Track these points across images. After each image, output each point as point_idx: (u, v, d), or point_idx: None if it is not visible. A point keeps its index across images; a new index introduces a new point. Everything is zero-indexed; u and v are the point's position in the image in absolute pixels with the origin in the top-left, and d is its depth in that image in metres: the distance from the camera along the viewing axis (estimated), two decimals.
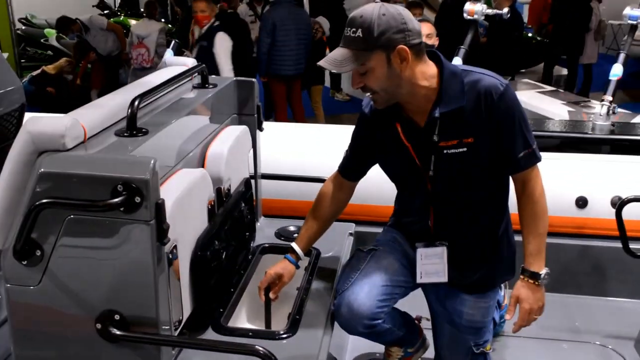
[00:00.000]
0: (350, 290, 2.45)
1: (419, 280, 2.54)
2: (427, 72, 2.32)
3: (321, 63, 2.27)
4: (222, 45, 6.51)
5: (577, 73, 10.14)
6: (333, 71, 2.26)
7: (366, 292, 2.43)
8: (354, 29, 2.20)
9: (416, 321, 2.81)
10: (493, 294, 2.62)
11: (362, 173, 2.64)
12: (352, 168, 2.64)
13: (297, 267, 2.62)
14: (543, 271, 2.42)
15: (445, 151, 2.34)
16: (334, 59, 2.23)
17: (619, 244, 3.17)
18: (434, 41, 4.22)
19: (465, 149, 2.33)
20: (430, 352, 2.80)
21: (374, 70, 2.23)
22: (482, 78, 2.32)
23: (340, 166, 2.66)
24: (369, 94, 2.32)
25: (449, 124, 2.32)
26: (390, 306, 2.51)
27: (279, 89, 7.69)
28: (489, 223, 2.50)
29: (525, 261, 2.44)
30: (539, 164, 2.41)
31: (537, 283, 2.42)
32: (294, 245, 2.63)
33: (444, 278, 2.52)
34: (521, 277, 2.44)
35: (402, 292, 2.58)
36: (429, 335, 2.81)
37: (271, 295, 2.57)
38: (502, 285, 3.14)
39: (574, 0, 9.99)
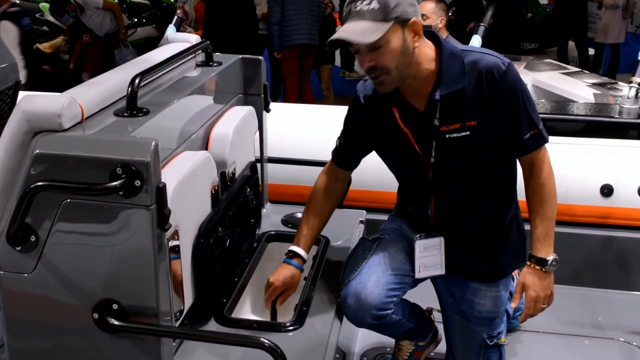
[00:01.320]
0: (357, 280, 2.44)
1: (417, 275, 2.54)
2: (427, 52, 2.33)
3: (340, 35, 2.22)
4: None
5: (587, 53, 10.15)
6: (356, 42, 2.19)
7: (374, 281, 2.43)
8: (367, 1, 2.19)
9: (427, 313, 2.81)
10: (505, 282, 2.63)
11: (357, 161, 2.65)
12: (347, 157, 2.64)
13: (302, 270, 2.59)
14: (550, 257, 2.43)
15: (447, 136, 2.34)
16: (353, 30, 2.20)
17: None
18: (429, 22, 4.25)
19: (468, 133, 2.33)
20: (443, 346, 2.80)
21: (390, 43, 2.21)
22: (482, 57, 2.33)
23: (333, 155, 2.66)
24: (374, 75, 2.27)
25: (450, 107, 2.32)
26: (399, 296, 2.51)
27: (291, 64, 7.65)
28: (494, 210, 2.50)
29: (532, 247, 2.45)
30: (550, 146, 2.42)
31: (544, 269, 2.43)
32: (295, 248, 2.59)
33: (441, 270, 2.53)
34: (527, 263, 2.46)
35: (411, 282, 2.58)
36: (440, 328, 2.81)
37: (278, 306, 2.55)
38: (515, 276, 3.13)
39: None
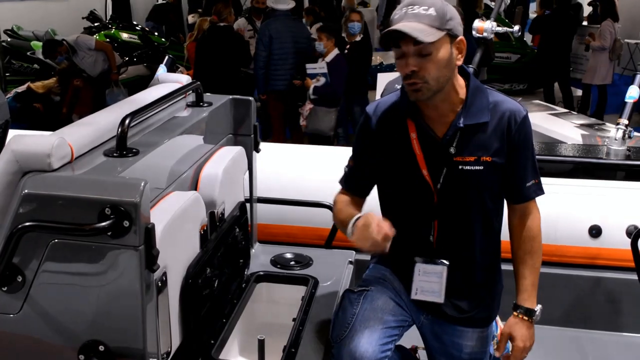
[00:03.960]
0: (349, 338, 2.41)
1: (413, 297, 2.52)
2: (460, 80, 2.37)
3: (401, 27, 2.18)
4: None
5: (570, 94, 10.30)
6: (417, 37, 2.15)
7: (366, 337, 2.40)
8: (425, 6, 2.22)
9: (412, 352, 2.80)
10: (490, 325, 2.66)
11: (370, 186, 2.60)
12: (359, 180, 2.59)
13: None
14: (537, 308, 2.49)
15: (460, 166, 2.35)
16: (412, 27, 2.19)
17: (634, 276, 3.16)
18: None
19: (482, 168, 2.36)
20: None
21: (438, 52, 2.23)
22: (506, 100, 2.41)
23: (343, 183, 2.60)
24: (413, 80, 2.24)
25: (468, 138, 2.36)
26: (392, 349, 2.49)
27: (277, 106, 7.71)
28: (488, 247, 2.53)
29: (518, 297, 2.50)
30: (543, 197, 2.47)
31: (531, 320, 2.49)
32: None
33: (440, 298, 2.50)
34: (515, 313, 2.50)
35: (401, 332, 2.57)
36: None
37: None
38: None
39: (557, 18, 10.34)
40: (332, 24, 8.30)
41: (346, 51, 7.57)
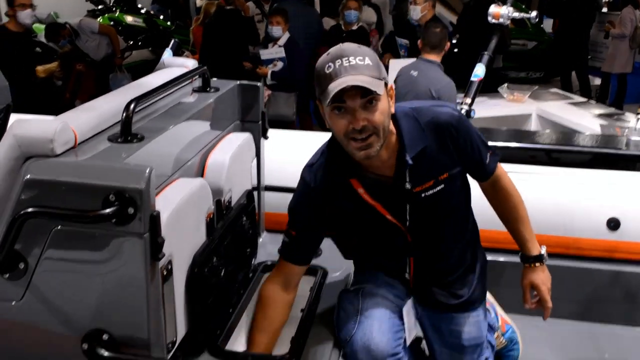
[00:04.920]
0: (360, 333, 2.42)
1: (409, 341, 2.58)
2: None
3: (355, 82, 2.12)
4: None
5: (588, 82, 10.25)
6: (372, 89, 2.12)
7: (377, 328, 2.42)
8: (359, 57, 2.17)
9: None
10: (483, 306, 2.73)
11: (314, 252, 2.64)
12: (303, 250, 2.57)
13: None
14: (543, 250, 2.67)
15: (422, 195, 2.38)
16: (362, 80, 2.13)
17: None
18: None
19: (443, 186, 2.40)
20: None
21: (381, 102, 2.20)
22: (436, 112, 2.39)
23: (285, 254, 2.56)
24: (364, 135, 2.19)
25: (418, 167, 2.35)
26: (403, 337, 2.52)
27: None
28: (466, 245, 2.63)
29: (522, 249, 2.69)
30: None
31: (542, 263, 2.67)
32: None
33: (414, 332, 2.65)
34: (526, 265, 2.69)
35: (403, 323, 2.59)
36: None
37: None
38: (491, 308, 3.14)
39: (575, 4, 10.31)
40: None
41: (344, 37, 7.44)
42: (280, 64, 7.03)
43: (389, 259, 2.59)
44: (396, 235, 2.46)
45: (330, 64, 2.17)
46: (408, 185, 2.36)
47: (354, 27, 7.60)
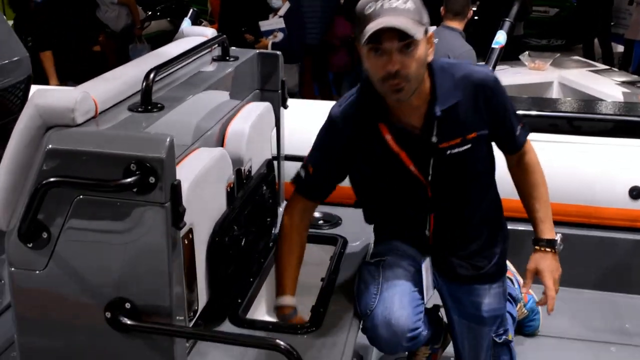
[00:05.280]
0: (381, 307, 2.42)
1: (426, 299, 2.58)
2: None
3: (392, 23, 2.12)
4: None
5: (611, 50, 10.13)
6: (410, 32, 2.12)
7: (398, 302, 2.42)
8: (402, 0, 2.17)
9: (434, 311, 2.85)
10: (503, 279, 2.70)
11: (330, 192, 2.62)
12: (319, 188, 2.60)
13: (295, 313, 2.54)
14: (558, 237, 2.54)
15: (448, 152, 2.36)
16: (400, 22, 2.13)
17: None
18: None
19: (470, 146, 2.38)
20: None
21: (419, 49, 2.20)
22: (472, 70, 2.40)
23: (301, 188, 2.60)
24: (396, 81, 2.20)
25: (447, 122, 2.34)
26: (423, 311, 2.52)
27: (305, 61, 7.66)
28: (487, 212, 2.59)
29: (536, 230, 2.57)
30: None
31: (554, 250, 2.53)
32: (282, 301, 2.54)
33: (431, 292, 2.61)
34: (536, 247, 2.55)
35: (424, 296, 2.60)
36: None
37: None
38: (514, 279, 3.15)
39: None
40: None
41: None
42: (280, 35, 6.95)
43: (410, 213, 2.55)
44: (417, 188, 2.43)
45: (371, 4, 2.19)
46: (434, 139, 2.34)
47: None
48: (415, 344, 2.51)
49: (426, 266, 2.57)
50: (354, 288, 2.60)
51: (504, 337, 2.70)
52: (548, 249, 2.52)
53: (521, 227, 3.09)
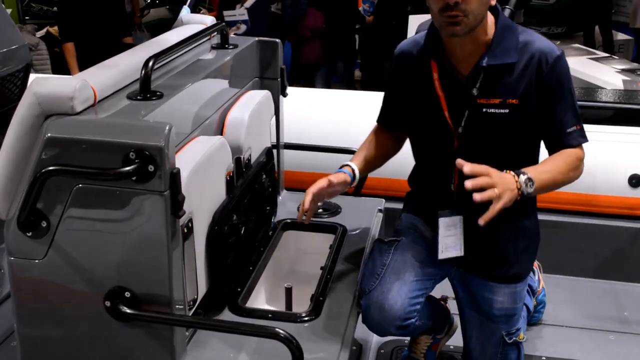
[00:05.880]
0: (378, 290, 2.43)
1: (440, 256, 2.48)
2: (489, 19, 2.34)
3: None
4: None
5: (611, 38, 10.09)
6: None
7: (396, 290, 2.42)
8: None
9: (441, 302, 2.82)
10: (523, 281, 2.62)
11: (399, 122, 2.64)
12: (387, 115, 2.67)
13: (352, 182, 2.55)
14: (532, 183, 2.21)
15: (484, 109, 2.32)
16: None
17: None
18: None
19: (507, 111, 2.33)
20: (458, 337, 2.81)
21: None
22: (538, 39, 2.35)
23: (379, 115, 2.70)
24: (455, 12, 2.20)
25: (493, 79, 2.32)
26: (422, 302, 2.50)
27: None
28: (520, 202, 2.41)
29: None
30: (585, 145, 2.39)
31: (519, 183, 2.18)
32: (348, 162, 2.58)
33: (460, 251, 2.47)
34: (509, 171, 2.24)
35: (432, 285, 2.58)
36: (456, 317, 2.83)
37: (307, 204, 2.47)
38: (536, 269, 3.13)
39: None
40: None
41: None
42: (243, 27, 6.86)
43: (438, 165, 2.50)
44: (446, 136, 2.41)
45: None
46: (475, 92, 2.33)
47: None
48: (407, 332, 2.52)
49: (446, 223, 2.46)
50: (353, 275, 2.60)
51: (514, 337, 2.61)
52: (516, 177, 2.19)
53: (553, 217, 3.01)
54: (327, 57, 7.39)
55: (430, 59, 2.41)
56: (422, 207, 2.64)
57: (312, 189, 2.47)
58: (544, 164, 2.35)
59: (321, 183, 2.48)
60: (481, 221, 2.13)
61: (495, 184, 2.12)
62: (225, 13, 6.94)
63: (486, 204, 2.18)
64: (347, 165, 2.56)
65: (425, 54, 2.42)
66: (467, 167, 2.14)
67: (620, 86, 5.45)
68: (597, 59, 6.63)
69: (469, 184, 2.11)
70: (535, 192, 2.24)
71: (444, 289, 2.75)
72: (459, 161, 2.16)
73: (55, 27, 9.52)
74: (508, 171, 2.21)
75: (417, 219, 2.65)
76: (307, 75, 7.88)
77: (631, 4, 10.45)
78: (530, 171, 2.23)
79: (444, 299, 2.83)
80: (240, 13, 6.89)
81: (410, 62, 2.49)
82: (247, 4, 6.92)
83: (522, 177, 2.19)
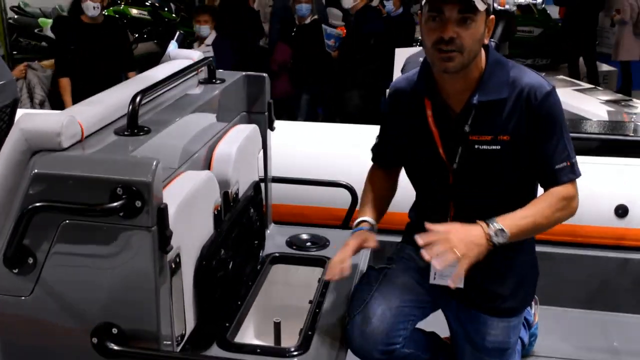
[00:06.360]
0: (362, 314, 2.45)
1: (431, 281, 2.47)
2: (481, 55, 2.36)
3: None
4: None
5: (596, 69, 10.25)
6: (473, 2, 2.17)
7: (379, 314, 2.43)
8: None
9: (445, 340, 2.80)
10: (518, 316, 2.61)
11: (395, 158, 2.64)
12: (383, 154, 2.67)
13: (374, 230, 2.57)
14: (504, 234, 2.22)
15: (476, 146, 2.33)
16: None
17: None
18: None
19: (499, 147, 2.33)
20: None
21: (477, 24, 2.23)
22: (528, 74, 2.36)
23: (373, 156, 2.71)
24: (449, 47, 2.22)
25: (485, 116, 2.33)
26: (408, 329, 2.50)
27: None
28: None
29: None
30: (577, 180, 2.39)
31: (488, 236, 2.21)
32: (362, 217, 2.58)
33: (459, 283, 2.40)
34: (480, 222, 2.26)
35: (421, 313, 2.58)
36: None
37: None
38: (533, 304, 3.13)
39: None
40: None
41: (293, 34, 7.32)
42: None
43: (434, 196, 2.52)
44: (441, 171, 2.41)
45: None
46: (467, 129, 2.34)
47: (307, 21, 7.27)
48: (392, 359, 2.50)
49: None
50: (342, 309, 2.59)
51: None
52: (486, 227, 2.22)
53: (541, 249, 2.98)
54: (294, 91, 7.39)
55: (425, 96, 2.42)
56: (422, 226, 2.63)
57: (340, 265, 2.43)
58: (526, 208, 2.32)
59: (346, 254, 2.45)
60: (451, 284, 2.20)
61: (455, 246, 2.16)
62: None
63: None
64: (363, 221, 2.57)
65: (419, 91, 2.44)
66: (420, 240, 2.20)
67: (605, 117, 5.48)
68: (581, 90, 6.67)
69: (425, 255, 2.17)
70: (511, 239, 2.25)
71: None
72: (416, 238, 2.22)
73: (45, 62, 9.54)
74: (479, 222, 2.25)
75: (413, 249, 2.64)
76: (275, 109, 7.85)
77: (614, 35, 10.61)
78: (507, 219, 2.26)
79: (449, 338, 2.80)
80: (204, 50, 6.81)
81: (405, 99, 2.50)
82: (209, 41, 6.93)
83: (492, 229, 2.22)
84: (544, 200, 2.34)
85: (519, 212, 2.30)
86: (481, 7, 2.20)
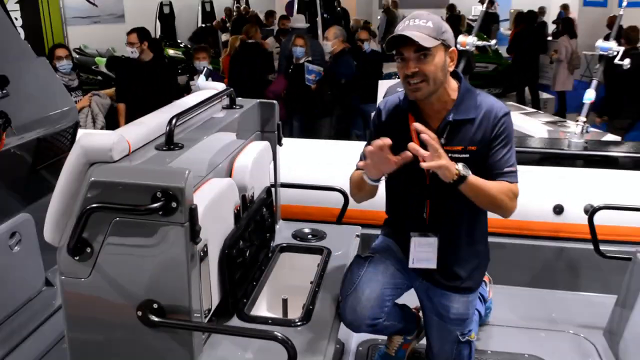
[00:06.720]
0: (353, 296, 2.45)
1: (411, 265, 2.50)
2: (453, 83, 2.37)
3: (407, 33, 2.19)
4: None
5: (538, 97, 10.43)
6: (419, 42, 2.16)
7: (367, 296, 2.44)
8: (423, 20, 2.23)
9: (414, 310, 2.80)
10: (474, 293, 2.61)
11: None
12: None
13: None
14: (469, 176, 2.22)
15: (449, 154, 2.31)
16: (414, 34, 2.18)
17: (590, 246, 3.17)
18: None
19: (467, 156, 2.34)
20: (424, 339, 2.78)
21: (435, 57, 2.23)
22: (492, 99, 2.40)
23: (359, 161, 2.56)
24: (415, 80, 2.23)
25: (457, 131, 2.34)
26: (389, 306, 2.52)
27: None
28: (474, 223, 2.50)
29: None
30: (518, 184, 2.40)
31: (456, 170, 2.21)
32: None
33: (433, 265, 2.48)
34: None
35: (398, 293, 2.59)
36: None
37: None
38: (487, 280, 3.13)
39: (529, 35, 10.54)
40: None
41: (290, 71, 7.28)
42: None
43: (412, 195, 2.49)
44: (420, 175, 2.38)
45: (401, 23, 2.28)
46: (443, 141, 2.33)
47: (301, 61, 7.14)
48: (377, 330, 2.54)
49: (419, 241, 2.47)
50: (336, 288, 2.59)
51: (467, 336, 2.60)
52: (454, 168, 2.20)
53: (496, 239, 2.99)
54: (286, 117, 7.34)
55: (409, 113, 2.42)
56: (397, 231, 2.63)
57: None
58: (486, 181, 2.32)
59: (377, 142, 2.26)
60: (424, 165, 2.17)
61: (440, 155, 2.18)
62: (191, 83, 6.71)
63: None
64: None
65: (405, 109, 2.44)
66: (424, 134, 2.18)
67: (546, 135, 5.49)
68: (527, 114, 6.68)
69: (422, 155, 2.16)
70: (469, 185, 2.23)
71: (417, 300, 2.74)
72: (416, 125, 2.21)
73: (100, 92, 9.54)
74: (457, 168, 2.23)
75: (391, 241, 2.66)
76: None
77: (552, 70, 10.66)
78: (472, 176, 2.25)
79: (417, 309, 2.81)
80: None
81: (392, 114, 2.49)
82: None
83: (460, 164, 2.23)
84: (499, 184, 2.34)
85: (481, 179, 2.30)
86: (430, 44, 2.20)
